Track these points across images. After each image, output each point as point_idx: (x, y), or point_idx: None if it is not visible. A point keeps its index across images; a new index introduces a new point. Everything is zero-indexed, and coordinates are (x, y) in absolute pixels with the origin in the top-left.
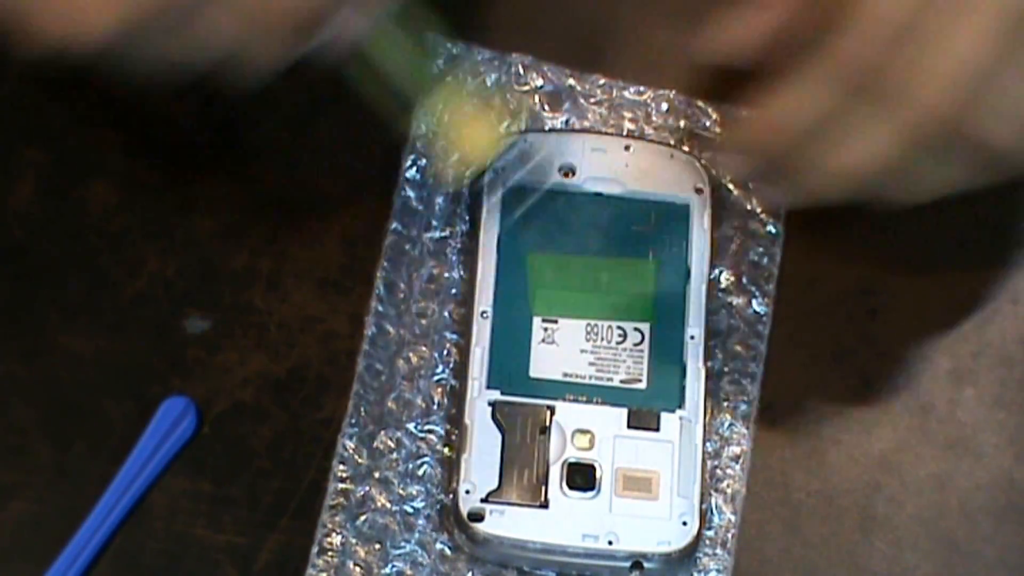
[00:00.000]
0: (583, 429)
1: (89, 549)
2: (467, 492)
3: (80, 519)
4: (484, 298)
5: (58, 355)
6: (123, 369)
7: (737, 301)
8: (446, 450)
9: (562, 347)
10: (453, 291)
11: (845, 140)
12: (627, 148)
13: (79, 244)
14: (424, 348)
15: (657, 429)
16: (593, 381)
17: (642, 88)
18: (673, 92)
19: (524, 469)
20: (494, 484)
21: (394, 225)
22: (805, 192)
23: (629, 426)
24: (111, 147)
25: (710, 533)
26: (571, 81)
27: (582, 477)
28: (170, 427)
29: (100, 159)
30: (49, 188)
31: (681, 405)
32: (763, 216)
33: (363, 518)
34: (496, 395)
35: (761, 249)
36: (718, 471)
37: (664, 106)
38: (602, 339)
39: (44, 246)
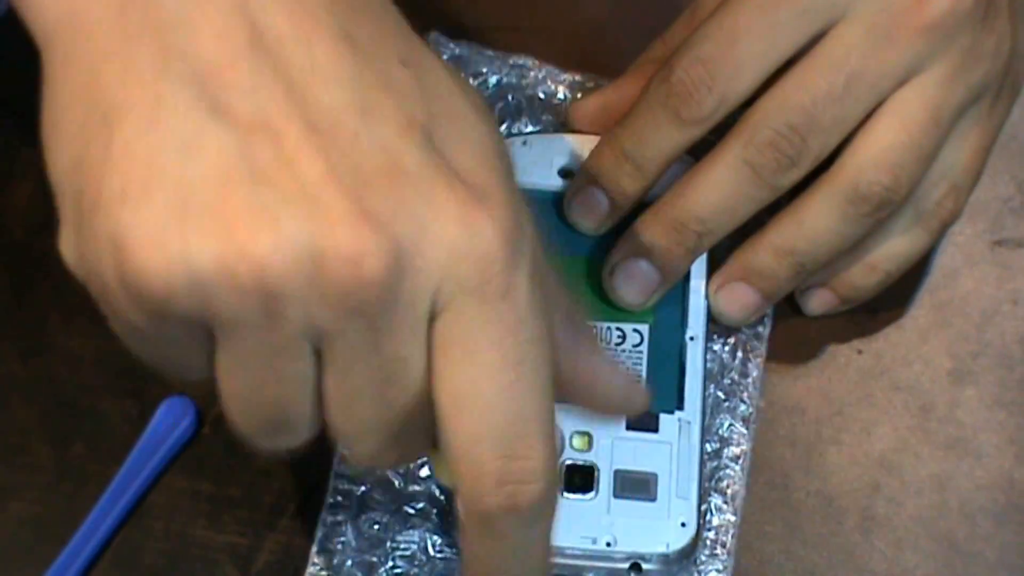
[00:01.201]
0: (581, 431)
1: (89, 549)
2: None
3: (80, 519)
4: None
5: (58, 355)
6: (123, 369)
7: None
8: None
9: None
10: None
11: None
12: None
13: None
14: None
15: (656, 430)
16: None
17: None
18: None
19: None
20: None
21: None
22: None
23: (628, 427)
24: None
25: (710, 533)
26: (573, 82)
27: (580, 478)
28: (170, 427)
29: None
30: (49, 188)
31: (680, 406)
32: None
33: (364, 517)
34: None
35: None
36: (718, 471)
37: None
38: (601, 340)
39: (44, 246)
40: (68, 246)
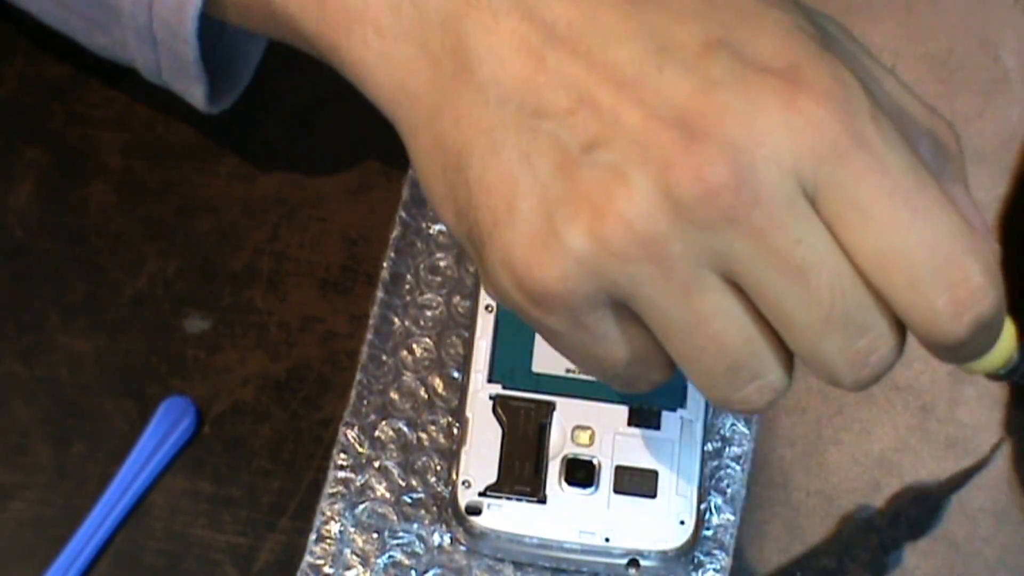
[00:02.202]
0: (583, 425)
1: (89, 549)
2: (465, 485)
3: (80, 519)
4: None
5: (58, 355)
6: (123, 369)
7: None
8: (446, 442)
9: None
10: (458, 284)
11: None
12: None
13: (79, 244)
14: (428, 340)
15: (658, 427)
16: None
17: None
18: None
19: (523, 464)
20: (493, 478)
21: (402, 216)
22: None
23: (630, 423)
24: (111, 147)
25: (709, 533)
26: None
27: (581, 473)
28: (170, 427)
29: (100, 159)
30: (49, 188)
31: (683, 404)
32: None
33: (362, 507)
34: (498, 389)
35: None
36: (719, 471)
37: None
38: None
39: (44, 246)
40: (488, 288)
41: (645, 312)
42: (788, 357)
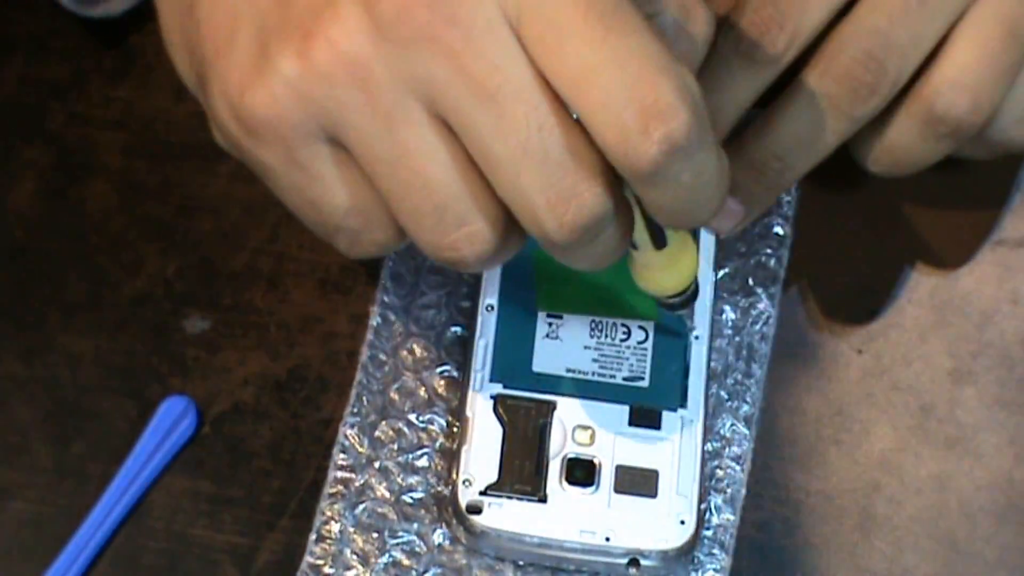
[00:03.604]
0: (584, 425)
1: (89, 549)
2: (466, 484)
3: (80, 519)
4: (489, 291)
5: (58, 355)
6: (123, 369)
7: (743, 302)
8: (447, 442)
9: (566, 343)
10: (459, 284)
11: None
12: None
13: (79, 244)
14: (428, 340)
15: (658, 427)
16: (596, 378)
17: None
18: None
19: (524, 463)
20: (493, 477)
21: None
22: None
23: (630, 423)
24: (111, 147)
25: (708, 533)
26: None
27: (581, 472)
28: (170, 427)
29: (100, 159)
30: (49, 188)
31: (683, 404)
32: (771, 217)
33: (362, 507)
34: (498, 388)
35: (768, 250)
36: (718, 471)
37: None
38: (606, 336)
39: (44, 246)
40: (214, 131)
41: (353, 145)
42: (498, 207)
